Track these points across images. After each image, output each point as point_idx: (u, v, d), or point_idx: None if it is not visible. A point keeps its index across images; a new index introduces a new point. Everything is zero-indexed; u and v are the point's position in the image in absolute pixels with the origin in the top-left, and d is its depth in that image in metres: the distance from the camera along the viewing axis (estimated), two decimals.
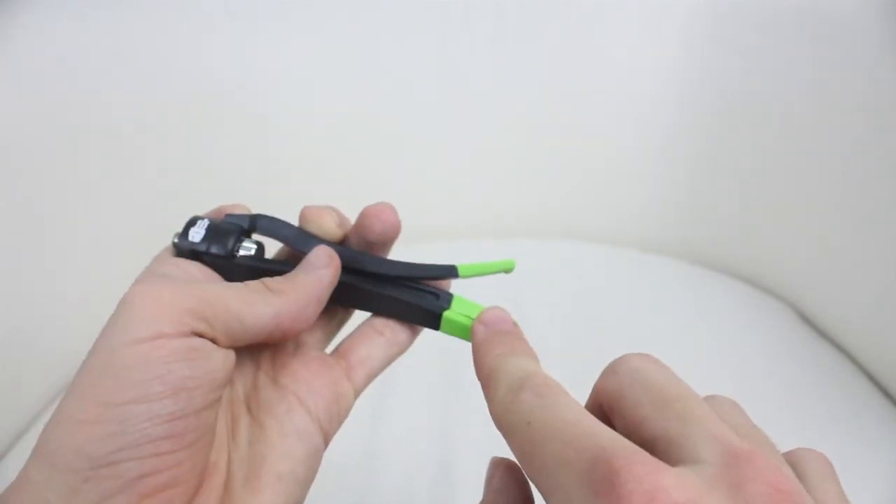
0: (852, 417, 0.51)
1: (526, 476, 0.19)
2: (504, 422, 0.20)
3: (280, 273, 0.27)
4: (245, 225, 0.28)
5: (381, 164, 0.66)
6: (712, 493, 0.15)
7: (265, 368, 0.27)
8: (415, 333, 0.30)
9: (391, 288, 0.28)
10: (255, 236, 0.28)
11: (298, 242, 0.28)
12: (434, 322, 0.28)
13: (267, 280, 0.25)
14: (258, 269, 0.27)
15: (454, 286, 0.29)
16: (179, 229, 0.27)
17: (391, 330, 0.29)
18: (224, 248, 0.27)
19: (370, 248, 0.28)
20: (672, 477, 0.15)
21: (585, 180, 0.68)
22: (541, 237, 0.69)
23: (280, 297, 0.24)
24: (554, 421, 0.18)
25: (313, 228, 0.28)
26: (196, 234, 0.27)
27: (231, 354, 0.23)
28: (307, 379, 0.27)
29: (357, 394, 0.28)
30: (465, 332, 0.27)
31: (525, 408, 0.19)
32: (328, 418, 0.27)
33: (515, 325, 0.25)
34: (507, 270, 0.29)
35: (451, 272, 0.28)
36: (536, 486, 0.18)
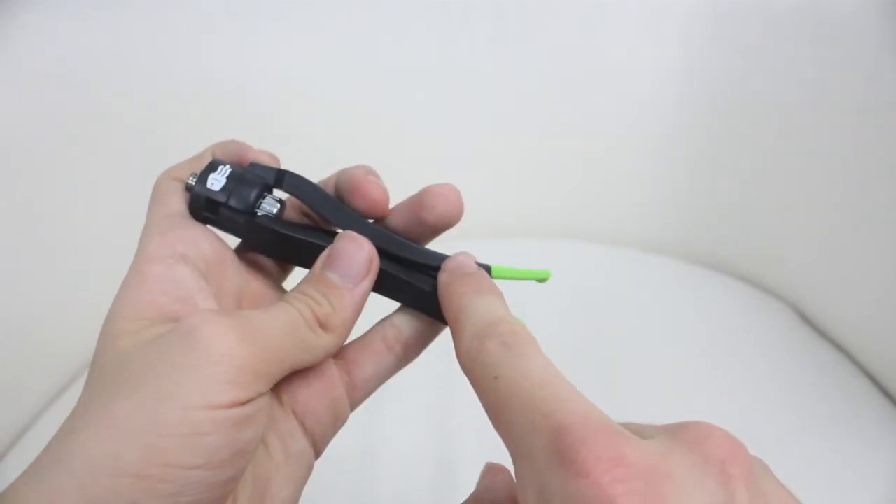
0: (852, 417, 0.51)
1: (496, 431, 0.19)
2: (470, 371, 0.20)
3: (302, 245, 0.25)
4: (270, 179, 0.25)
5: (380, 164, 0.66)
6: (671, 454, 0.16)
7: None
8: (426, 344, 0.28)
9: (419, 277, 0.26)
10: (278, 193, 0.26)
11: (328, 211, 0.26)
12: None
13: (314, 307, 0.23)
14: (278, 234, 0.25)
15: None
16: (197, 171, 0.25)
17: (403, 347, 0.27)
18: (245, 202, 0.24)
19: (421, 228, 0.26)
20: (631, 445, 0.16)
21: (585, 180, 0.68)
22: (541, 237, 0.69)
23: (332, 334, 0.23)
24: (521, 380, 0.19)
25: (360, 201, 0.26)
26: (216, 182, 0.24)
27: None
28: (307, 400, 0.25)
29: (353, 410, 0.27)
30: None
31: (492, 360, 0.20)
32: (323, 439, 0.25)
33: (479, 268, 0.26)
34: (542, 280, 0.27)
35: (483, 271, 0.27)
36: (503, 439, 0.19)
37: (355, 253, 0.24)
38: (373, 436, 0.48)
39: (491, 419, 0.19)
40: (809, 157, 0.58)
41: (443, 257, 0.26)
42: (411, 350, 0.27)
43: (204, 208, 0.24)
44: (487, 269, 0.27)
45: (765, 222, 0.63)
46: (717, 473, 0.16)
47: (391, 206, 0.27)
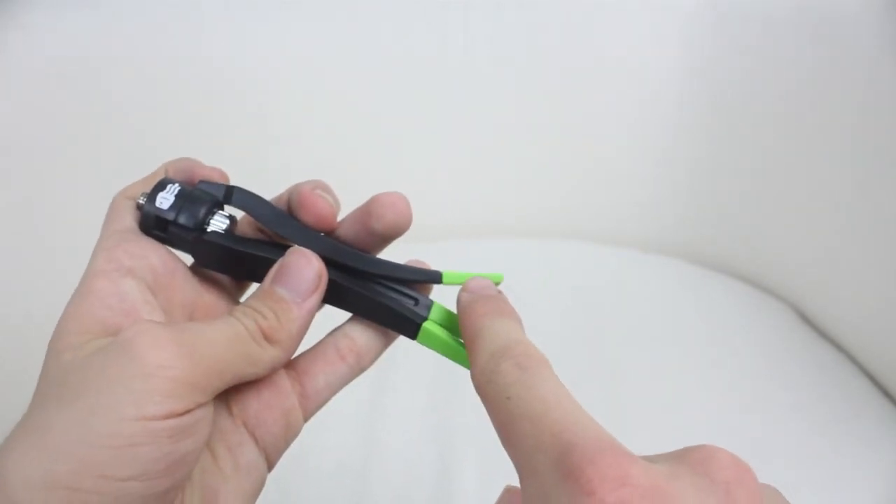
0: (852, 417, 0.51)
1: (505, 450, 0.19)
2: (484, 391, 0.21)
3: (251, 260, 0.25)
4: (219, 196, 0.26)
5: (380, 163, 0.66)
6: (676, 476, 0.17)
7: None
8: (379, 353, 0.28)
9: (370, 287, 0.26)
10: (229, 208, 0.26)
11: (276, 225, 0.26)
12: (412, 331, 0.26)
13: (260, 321, 0.23)
14: (227, 249, 0.25)
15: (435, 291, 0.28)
16: (147, 190, 0.25)
17: (356, 356, 0.27)
18: (194, 219, 0.25)
19: (371, 238, 0.26)
20: (638, 466, 0.16)
21: (585, 180, 0.68)
22: (541, 237, 0.69)
23: (277, 347, 0.23)
24: (533, 400, 0.19)
25: (307, 216, 0.26)
26: (164, 200, 0.25)
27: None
28: (258, 411, 0.25)
29: (307, 421, 0.27)
30: (442, 346, 0.26)
31: (506, 380, 0.20)
32: (276, 450, 0.25)
33: (500, 292, 0.26)
34: (496, 283, 0.27)
35: (434, 278, 0.27)
36: (511, 459, 0.19)
37: (304, 268, 0.24)
38: (373, 436, 0.48)
39: (501, 438, 0.20)
40: (809, 158, 0.58)
41: (393, 266, 0.27)
42: (364, 359, 0.27)
43: (153, 227, 0.25)
44: (438, 274, 0.27)
45: (765, 222, 0.63)
46: (722, 494, 0.16)
47: (340, 217, 0.27)
